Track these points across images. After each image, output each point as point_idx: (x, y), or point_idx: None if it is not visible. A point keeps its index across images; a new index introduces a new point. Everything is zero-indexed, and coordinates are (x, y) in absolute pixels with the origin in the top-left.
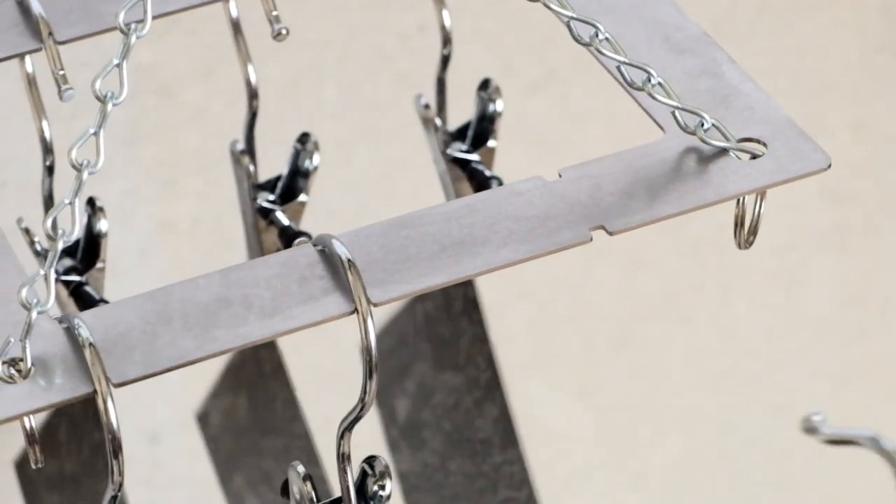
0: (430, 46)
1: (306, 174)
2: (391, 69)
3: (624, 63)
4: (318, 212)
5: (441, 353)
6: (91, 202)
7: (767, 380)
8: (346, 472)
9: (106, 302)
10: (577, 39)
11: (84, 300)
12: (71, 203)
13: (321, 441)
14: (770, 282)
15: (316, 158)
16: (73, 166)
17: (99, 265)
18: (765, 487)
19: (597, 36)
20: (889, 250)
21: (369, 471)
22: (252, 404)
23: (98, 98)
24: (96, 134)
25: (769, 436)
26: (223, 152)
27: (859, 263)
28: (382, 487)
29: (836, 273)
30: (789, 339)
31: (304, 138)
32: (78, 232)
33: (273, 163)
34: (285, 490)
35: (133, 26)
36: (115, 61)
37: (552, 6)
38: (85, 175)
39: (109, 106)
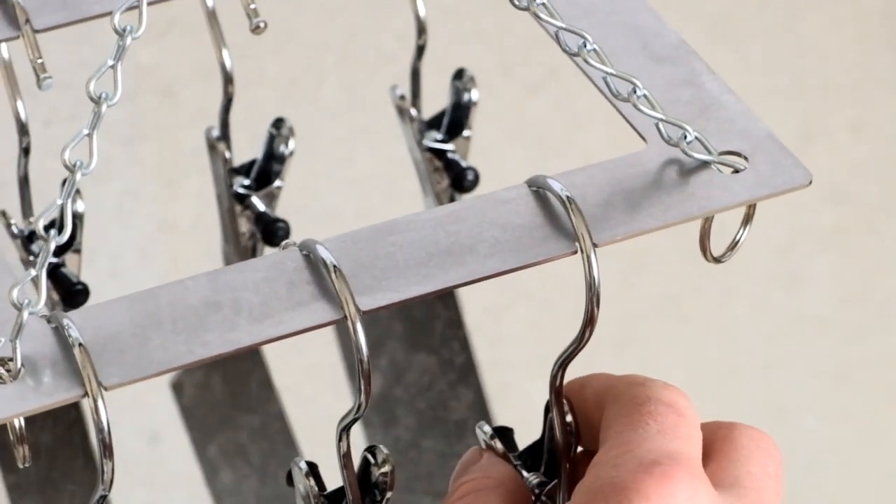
0: (431, 46)
1: (281, 159)
2: (391, 69)
3: (610, 74)
4: (318, 212)
5: (414, 335)
6: None
7: (767, 380)
8: (347, 469)
9: (83, 284)
10: (564, 50)
11: (61, 282)
12: (63, 204)
13: (321, 440)
14: (770, 282)
15: (291, 143)
16: (66, 167)
17: (76, 247)
18: None
19: (584, 46)
20: (889, 250)
21: (372, 460)
22: (227, 381)
23: (92, 99)
24: (90, 135)
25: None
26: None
27: (859, 263)
28: (385, 475)
29: (836, 273)
30: (789, 339)
31: (278, 123)
32: (68, 233)
33: None
34: (290, 480)
35: (128, 27)
36: (110, 62)
37: (541, 16)
38: (78, 176)
39: (104, 107)
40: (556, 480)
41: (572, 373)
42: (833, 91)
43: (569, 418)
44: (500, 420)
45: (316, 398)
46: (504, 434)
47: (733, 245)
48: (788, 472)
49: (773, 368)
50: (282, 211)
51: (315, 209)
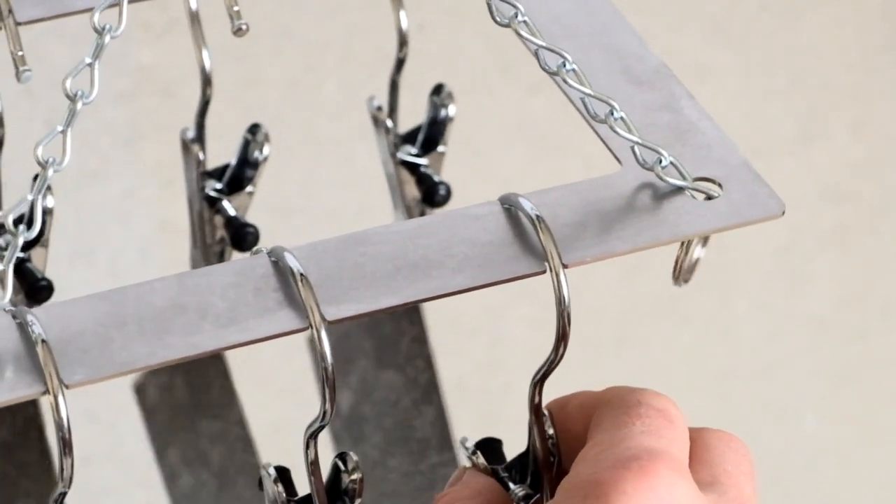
0: (431, 46)
1: (255, 165)
2: (391, 69)
3: (588, 95)
4: (318, 212)
5: (382, 351)
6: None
7: (767, 380)
8: (315, 476)
9: (47, 280)
10: (544, 68)
11: (26, 277)
12: (34, 200)
13: (321, 441)
14: (770, 282)
15: (266, 149)
16: (39, 163)
17: (43, 242)
18: (765, 487)
19: (564, 66)
20: (889, 250)
21: (342, 466)
22: (189, 386)
23: (68, 96)
24: (63, 132)
25: (769, 436)
26: (223, 152)
27: (859, 263)
28: (355, 482)
29: (836, 273)
30: (789, 339)
31: (254, 129)
32: (38, 229)
33: (273, 163)
34: (261, 484)
35: (107, 26)
36: (87, 60)
37: (522, 33)
38: (50, 172)
39: (79, 105)
40: (540, 494)
41: (574, 375)
42: (833, 91)
43: (550, 431)
44: (501, 421)
45: (315, 400)
46: (490, 446)
47: (692, 266)
48: (788, 472)
49: (773, 368)
50: (282, 211)
51: (315, 209)
